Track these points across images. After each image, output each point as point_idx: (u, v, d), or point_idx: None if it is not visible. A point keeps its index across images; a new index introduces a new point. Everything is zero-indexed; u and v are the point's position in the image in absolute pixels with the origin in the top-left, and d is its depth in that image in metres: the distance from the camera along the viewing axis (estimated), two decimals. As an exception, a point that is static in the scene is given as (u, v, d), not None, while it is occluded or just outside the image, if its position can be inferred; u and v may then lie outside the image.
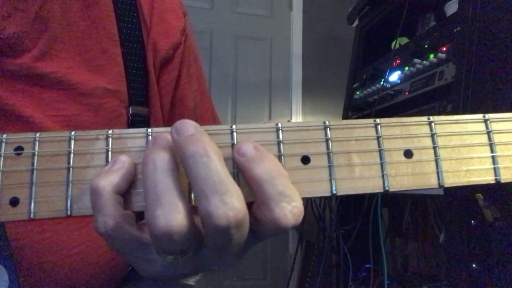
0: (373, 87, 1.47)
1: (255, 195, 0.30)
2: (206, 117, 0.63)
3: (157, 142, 0.30)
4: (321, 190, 0.32)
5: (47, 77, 0.44)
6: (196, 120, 0.61)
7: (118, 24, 0.51)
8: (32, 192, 0.30)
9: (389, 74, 1.37)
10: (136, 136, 0.32)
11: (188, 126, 0.29)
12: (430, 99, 1.14)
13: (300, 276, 1.91)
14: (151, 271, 0.33)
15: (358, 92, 1.58)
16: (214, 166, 0.28)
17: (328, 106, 2.80)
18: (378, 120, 0.33)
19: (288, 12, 2.89)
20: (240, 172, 0.30)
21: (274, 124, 0.32)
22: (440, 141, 0.33)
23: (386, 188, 0.32)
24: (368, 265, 1.42)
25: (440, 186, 0.33)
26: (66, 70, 0.46)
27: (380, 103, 1.38)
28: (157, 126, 0.53)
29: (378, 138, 0.33)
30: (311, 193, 0.32)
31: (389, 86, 1.36)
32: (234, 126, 0.32)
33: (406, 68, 1.27)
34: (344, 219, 1.52)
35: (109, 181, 0.29)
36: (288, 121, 2.78)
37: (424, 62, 1.18)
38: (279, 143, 0.32)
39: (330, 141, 0.32)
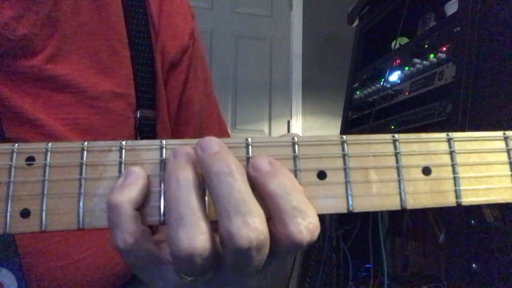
0: (373, 87, 1.47)
1: (270, 211, 0.29)
2: (212, 119, 0.63)
3: (179, 158, 0.29)
4: (337, 206, 0.31)
5: (57, 79, 0.44)
6: (201, 124, 0.61)
7: (127, 27, 0.51)
8: (43, 204, 0.30)
9: (389, 74, 1.37)
10: (150, 148, 0.31)
11: (213, 143, 0.29)
12: (430, 99, 1.14)
13: (300, 276, 1.91)
14: None
15: (358, 92, 1.58)
16: (238, 186, 0.28)
17: (328, 106, 2.80)
18: (396, 136, 0.33)
19: (288, 12, 2.89)
20: (254, 188, 0.30)
21: (290, 138, 0.32)
22: (459, 159, 0.33)
23: (403, 206, 0.31)
24: (368, 265, 1.42)
25: (458, 204, 0.32)
26: (75, 73, 0.45)
27: (380, 103, 1.38)
28: (163, 129, 0.53)
29: (396, 154, 0.32)
30: (326, 209, 0.31)
31: (389, 86, 1.36)
32: (249, 139, 0.31)
33: (406, 68, 1.27)
34: (344, 219, 1.52)
35: (128, 197, 0.29)
36: (288, 122, 2.73)
37: (424, 62, 1.18)
38: (295, 157, 0.31)
39: (347, 156, 0.32)
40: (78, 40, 0.47)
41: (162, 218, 0.30)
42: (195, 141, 0.31)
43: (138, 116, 0.51)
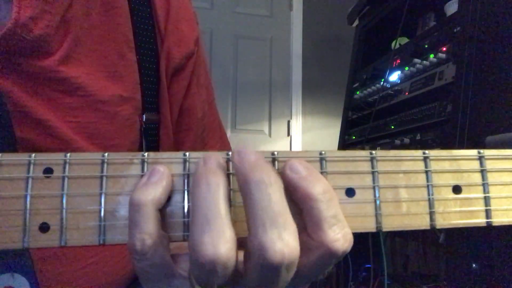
0: (373, 87, 1.47)
1: (306, 216, 0.28)
2: (213, 127, 0.63)
3: (209, 164, 0.28)
4: (366, 225, 0.30)
5: (68, 82, 0.44)
6: (203, 130, 0.61)
7: (134, 31, 0.51)
8: (62, 218, 0.29)
9: (389, 74, 1.37)
10: (173, 161, 0.30)
11: (251, 153, 0.29)
12: (430, 99, 1.14)
13: (300, 276, 1.91)
14: None
15: (358, 92, 1.58)
16: (276, 198, 0.27)
17: (328, 106, 2.80)
18: (427, 152, 0.32)
19: (288, 12, 2.89)
20: (290, 191, 0.29)
21: (318, 152, 0.31)
22: (490, 177, 0.32)
23: (433, 226, 0.31)
24: (368, 265, 1.42)
25: (488, 224, 0.31)
26: (86, 76, 0.45)
27: (380, 103, 1.38)
28: (166, 133, 0.53)
29: (426, 172, 0.31)
30: (355, 228, 0.30)
31: (389, 86, 1.36)
32: (276, 153, 0.30)
33: (406, 68, 1.27)
34: (344, 219, 1.52)
35: (151, 196, 0.28)
36: (288, 122, 2.71)
37: (424, 62, 1.18)
38: (322, 173, 0.30)
39: (377, 173, 0.31)
40: (89, 43, 0.47)
41: (184, 233, 0.29)
42: (221, 153, 0.30)
43: (144, 119, 0.51)
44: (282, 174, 0.29)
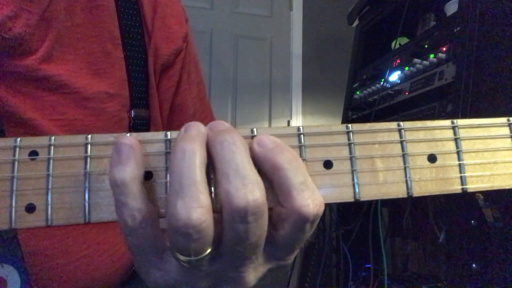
0: (373, 87, 1.47)
1: (276, 186, 0.29)
2: (205, 123, 0.63)
3: (189, 132, 0.30)
4: (344, 195, 0.31)
5: (50, 79, 0.44)
6: None
7: (121, 28, 0.51)
8: (48, 198, 0.29)
9: (389, 74, 1.37)
10: (155, 141, 0.31)
11: (222, 124, 0.31)
12: (430, 99, 1.14)
13: (300, 276, 1.91)
14: (161, 281, 0.32)
15: (358, 92, 1.58)
16: (239, 153, 0.28)
17: (328, 106, 2.80)
18: (402, 124, 0.33)
19: (288, 12, 2.89)
20: (260, 164, 0.30)
21: (296, 128, 0.32)
22: (464, 145, 0.33)
23: (410, 194, 0.32)
24: (368, 265, 1.42)
25: (463, 191, 0.32)
26: (69, 74, 0.45)
27: (380, 103, 1.38)
28: (156, 130, 0.54)
29: (401, 142, 0.32)
30: (334, 198, 0.31)
31: (389, 86, 1.36)
32: (255, 130, 0.31)
33: (406, 68, 1.27)
34: (344, 219, 1.52)
35: (127, 173, 0.28)
36: (288, 122, 2.71)
37: (424, 62, 1.18)
38: (301, 147, 0.32)
39: (353, 145, 0.32)
40: (72, 41, 0.47)
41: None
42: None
43: (132, 115, 0.51)
44: (250, 150, 0.30)
